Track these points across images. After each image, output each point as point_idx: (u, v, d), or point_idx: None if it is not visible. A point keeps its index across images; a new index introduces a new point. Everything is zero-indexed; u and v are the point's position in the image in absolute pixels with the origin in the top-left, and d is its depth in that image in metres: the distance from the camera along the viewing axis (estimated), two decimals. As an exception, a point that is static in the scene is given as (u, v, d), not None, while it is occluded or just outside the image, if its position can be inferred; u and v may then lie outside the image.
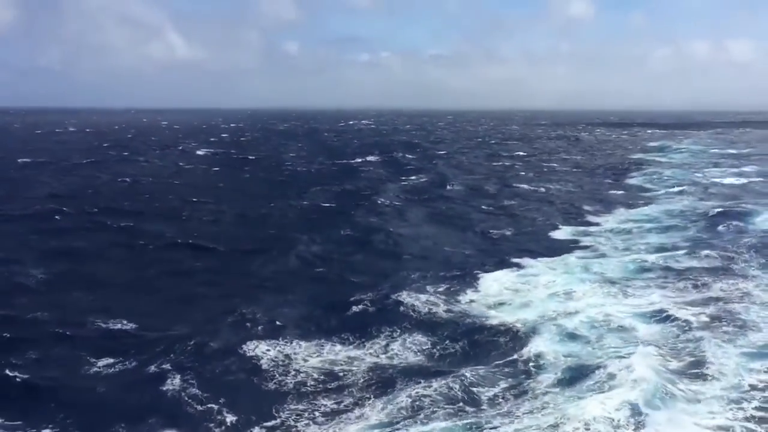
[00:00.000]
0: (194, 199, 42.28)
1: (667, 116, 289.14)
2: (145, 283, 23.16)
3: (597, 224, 35.14)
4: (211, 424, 13.24)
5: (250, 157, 76.09)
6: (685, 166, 68.25)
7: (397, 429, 12.82)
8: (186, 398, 14.10)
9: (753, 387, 13.87)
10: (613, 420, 12.23)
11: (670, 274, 23.65)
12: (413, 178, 55.92)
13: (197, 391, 14.32)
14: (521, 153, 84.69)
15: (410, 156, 77.63)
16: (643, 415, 12.36)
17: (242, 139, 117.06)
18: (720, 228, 32.64)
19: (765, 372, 14.60)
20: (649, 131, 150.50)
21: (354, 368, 15.89)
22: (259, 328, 18.27)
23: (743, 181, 53.39)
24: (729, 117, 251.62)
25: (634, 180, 56.34)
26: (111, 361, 16.07)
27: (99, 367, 15.80)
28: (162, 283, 23.32)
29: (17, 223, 32.97)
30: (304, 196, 43.78)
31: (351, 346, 17.34)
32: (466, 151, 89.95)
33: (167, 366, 15.60)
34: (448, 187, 49.90)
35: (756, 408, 12.92)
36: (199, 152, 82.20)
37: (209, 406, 13.81)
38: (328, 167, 65.72)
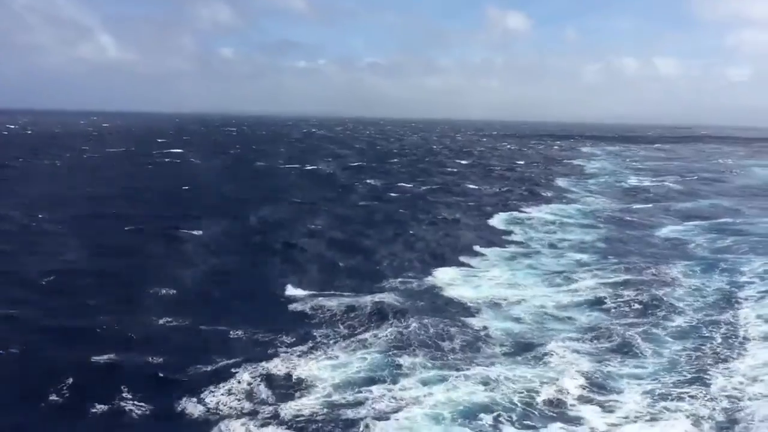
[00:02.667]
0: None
1: (596, 128, 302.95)
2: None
3: (529, 219, 39.20)
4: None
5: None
6: (608, 173, 74.91)
7: (389, 353, 16.75)
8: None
9: (675, 361, 16.77)
10: (548, 384, 15.04)
11: (597, 265, 27.29)
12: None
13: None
14: (466, 161, 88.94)
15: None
16: (577, 387, 15.04)
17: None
18: (634, 226, 37.81)
19: (685, 349, 17.60)
20: (579, 142, 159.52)
21: (358, 312, 20.20)
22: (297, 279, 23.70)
23: (653, 185, 60.78)
24: (652, 130, 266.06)
25: (561, 183, 62.04)
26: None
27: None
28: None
29: None
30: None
31: (353, 297, 21.73)
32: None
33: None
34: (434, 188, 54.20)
35: (677, 382, 15.37)
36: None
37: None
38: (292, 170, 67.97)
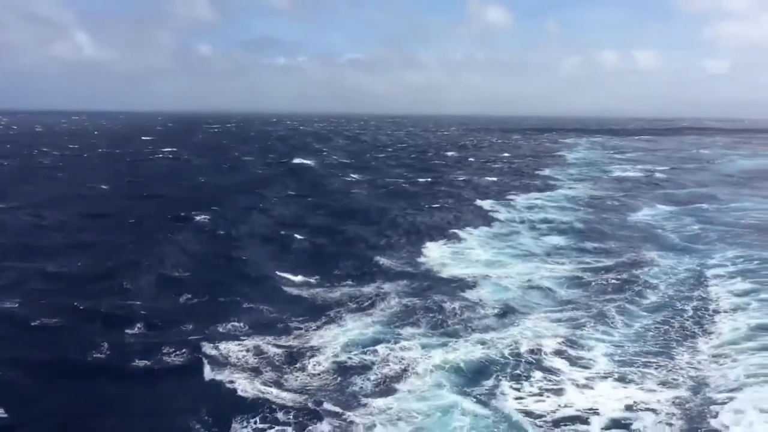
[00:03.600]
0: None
1: (578, 121, 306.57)
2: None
3: (514, 205, 41.75)
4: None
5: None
6: (588, 163, 77.76)
7: (395, 325, 18.62)
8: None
9: (646, 329, 18.72)
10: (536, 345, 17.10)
11: (577, 246, 29.62)
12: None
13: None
14: (453, 153, 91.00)
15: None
16: (558, 346, 17.04)
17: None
18: (613, 212, 40.17)
19: (655, 320, 19.48)
20: (561, 134, 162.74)
21: (359, 291, 22.08)
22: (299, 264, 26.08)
23: (633, 175, 63.53)
24: (633, 123, 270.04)
25: (545, 171, 64.89)
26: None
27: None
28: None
29: None
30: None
31: (354, 280, 23.74)
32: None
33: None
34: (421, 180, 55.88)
35: (646, 349, 17.22)
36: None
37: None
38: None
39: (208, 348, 16.47)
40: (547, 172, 64.75)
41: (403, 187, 51.31)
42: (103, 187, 47.20)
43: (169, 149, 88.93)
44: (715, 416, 13.43)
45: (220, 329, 18.33)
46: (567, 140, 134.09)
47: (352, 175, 60.22)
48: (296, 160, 72.66)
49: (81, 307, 19.35)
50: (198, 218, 33.90)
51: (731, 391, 14.56)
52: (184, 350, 16.27)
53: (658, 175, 63.40)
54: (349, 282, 23.22)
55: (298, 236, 31.17)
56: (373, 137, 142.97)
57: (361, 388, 14.84)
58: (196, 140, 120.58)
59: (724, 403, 13.97)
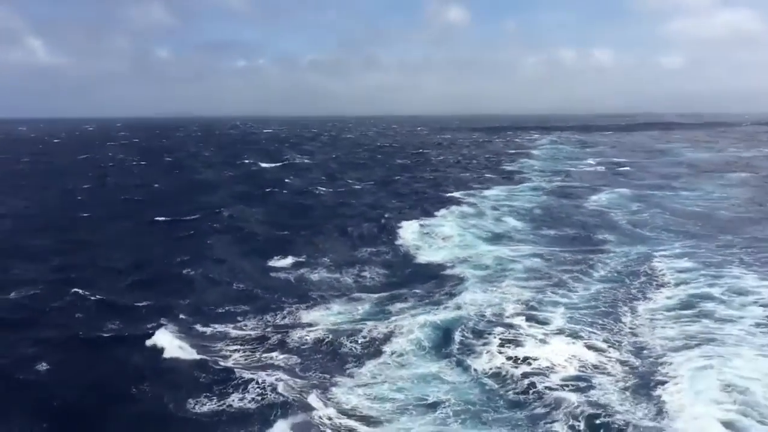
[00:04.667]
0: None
1: (540, 119, 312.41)
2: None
3: (483, 196, 45.03)
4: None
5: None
6: (548, 157, 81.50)
7: (382, 309, 20.82)
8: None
9: (598, 294, 21.61)
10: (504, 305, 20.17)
11: (538, 231, 32.75)
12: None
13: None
14: (415, 152, 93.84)
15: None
16: (521, 309, 19.85)
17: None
18: (573, 200, 43.57)
19: (606, 290, 22.21)
20: (525, 131, 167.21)
21: (347, 279, 24.53)
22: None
23: (592, 169, 67.34)
24: (593, 120, 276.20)
25: (507, 166, 68.31)
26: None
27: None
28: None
29: None
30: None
31: (338, 265, 26.24)
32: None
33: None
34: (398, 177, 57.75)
35: (600, 311, 19.98)
36: None
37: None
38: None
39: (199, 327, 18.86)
40: (512, 166, 68.18)
41: (380, 182, 54.47)
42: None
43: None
44: (652, 372, 15.68)
45: (219, 311, 20.60)
46: (530, 137, 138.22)
47: (335, 171, 62.60)
48: (274, 163, 74.86)
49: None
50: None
51: (667, 350, 16.97)
52: (181, 330, 18.45)
53: (618, 168, 66.91)
54: (334, 269, 25.64)
55: (287, 225, 34.03)
56: (343, 137, 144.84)
57: (351, 353, 17.14)
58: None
59: (659, 360, 16.37)
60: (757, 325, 18.44)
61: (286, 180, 56.66)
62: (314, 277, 24.74)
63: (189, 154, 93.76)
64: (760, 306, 19.96)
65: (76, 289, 21.62)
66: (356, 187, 52.31)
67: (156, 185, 52.76)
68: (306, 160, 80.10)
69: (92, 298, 20.99)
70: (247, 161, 76.73)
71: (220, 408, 14.08)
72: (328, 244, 30.34)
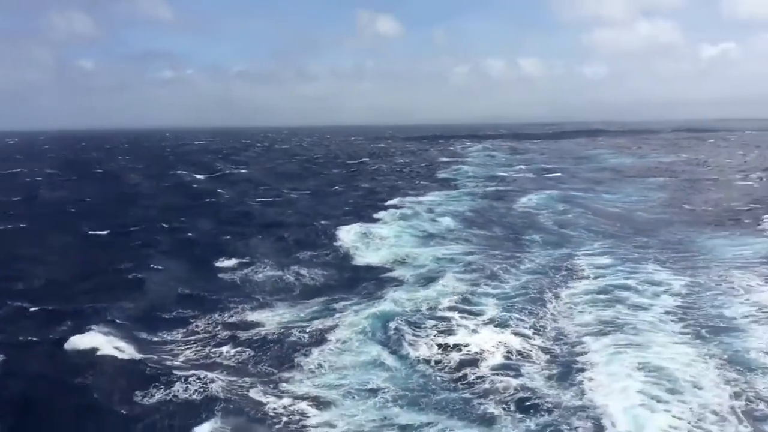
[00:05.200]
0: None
1: (471, 128, 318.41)
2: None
3: (419, 201, 46.61)
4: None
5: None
6: (481, 164, 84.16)
7: (325, 307, 21.83)
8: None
9: (526, 286, 23.36)
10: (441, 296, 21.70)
11: (471, 231, 34.71)
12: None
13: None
14: (350, 162, 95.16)
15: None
16: (456, 302, 21.38)
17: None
18: (504, 203, 45.96)
19: (533, 282, 23.97)
20: (458, 140, 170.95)
21: (290, 279, 25.69)
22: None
23: (522, 174, 70.26)
24: (521, 128, 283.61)
25: (443, 174, 70.42)
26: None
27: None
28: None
29: None
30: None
31: (280, 266, 27.13)
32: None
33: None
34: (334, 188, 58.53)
35: (527, 301, 21.64)
36: None
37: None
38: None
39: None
40: (447, 173, 70.58)
41: (317, 191, 55.61)
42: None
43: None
44: (573, 355, 17.22)
45: (165, 315, 21.24)
46: (463, 145, 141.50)
47: (274, 180, 63.29)
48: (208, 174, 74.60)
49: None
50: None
51: (587, 334, 18.61)
52: (123, 335, 18.98)
53: (546, 174, 70.04)
54: (274, 271, 26.55)
55: (232, 227, 35.69)
56: (277, 148, 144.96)
57: (297, 348, 18.09)
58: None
59: (580, 344, 17.97)
60: (667, 312, 20.30)
61: (221, 190, 56.93)
62: (258, 278, 25.62)
63: (120, 166, 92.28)
64: (671, 296, 21.92)
65: (17, 301, 21.95)
66: (293, 196, 53.08)
67: (89, 199, 52.05)
68: (241, 171, 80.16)
69: (34, 308, 21.34)
70: (180, 172, 76.19)
71: (167, 399, 14.90)
72: (269, 247, 31.14)
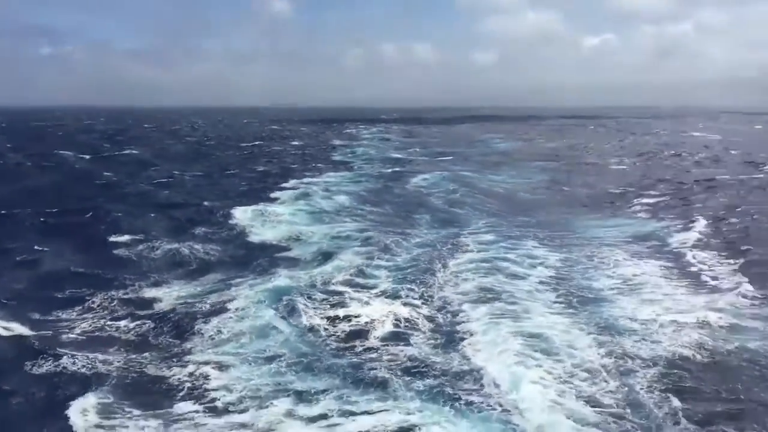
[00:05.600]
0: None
1: (363, 112, 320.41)
2: None
3: (315, 182, 47.55)
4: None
5: None
6: (376, 147, 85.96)
7: (221, 282, 22.39)
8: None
9: (416, 259, 24.76)
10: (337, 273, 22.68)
11: (363, 209, 35.96)
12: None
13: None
14: (243, 145, 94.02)
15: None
16: (351, 275, 22.51)
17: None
18: (397, 183, 47.78)
19: (420, 254, 25.43)
20: (352, 123, 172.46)
21: (186, 254, 26.00)
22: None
23: (410, 156, 72.96)
24: (414, 113, 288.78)
25: (337, 156, 71.44)
26: None
27: None
28: None
29: None
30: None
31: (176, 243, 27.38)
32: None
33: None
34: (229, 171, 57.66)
35: (415, 271, 23.06)
36: None
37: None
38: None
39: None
40: (342, 156, 71.55)
41: (218, 172, 55.39)
42: None
43: None
44: (456, 323, 18.57)
45: (58, 294, 20.99)
46: (358, 128, 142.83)
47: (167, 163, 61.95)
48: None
49: None
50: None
51: (466, 301, 20.22)
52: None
53: (439, 157, 72.36)
54: (172, 246, 26.69)
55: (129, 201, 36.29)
56: (170, 130, 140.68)
57: (194, 321, 18.53)
58: None
59: (460, 310, 19.48)
60: (542, 283, 22.25)
61: (108, 172, 54.92)
62: (154, 254, 25.67)
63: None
64: (546, 268, 23.96)
65: None
66: (185, 177, 52.25)
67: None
68: (130, 151, 77.67)
69: None
70: (63, 153, 72.68)
71: (56, 371, 15.18)
72: (164, 226, 31.07)
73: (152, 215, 33.56)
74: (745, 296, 20.19)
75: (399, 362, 15.94)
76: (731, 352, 16.19)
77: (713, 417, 13.30)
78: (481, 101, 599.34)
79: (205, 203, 37.27)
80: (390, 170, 56.78)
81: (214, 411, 13.62)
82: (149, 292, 21.01)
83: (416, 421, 13.07)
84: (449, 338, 17.45)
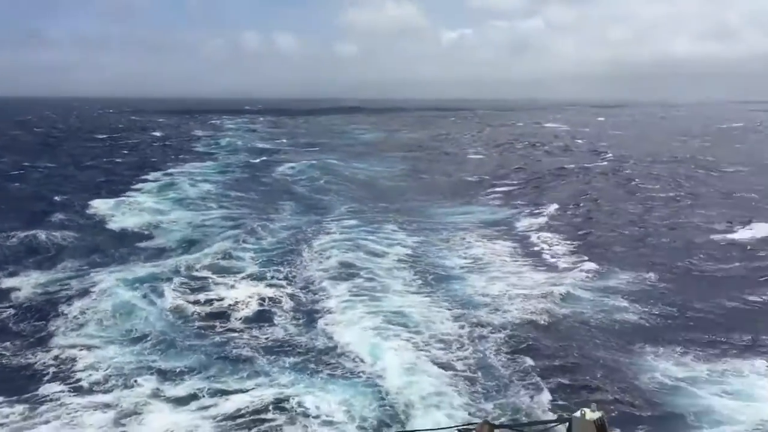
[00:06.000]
0: None
1: (228, 102, 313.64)
2: None
3: (180, 172, 47.18)
4: None
5: None
6: (241, 137, 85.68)
7: (79, 269, 22.31)
8: None
9: (282, 242, 25.72)
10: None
11: (229, 196, 36.62)
12: None
13: None
14: (99, 136, 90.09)
15: None
16: (217, 260, 23.09)
17: None
18: (263, 171, 48.70)
19: (286, 238, 26.50)
20: (215, 115, 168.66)
21: (42, 241, 25.51)
22: None
23: (277, 147, 73.80)
24: (279, 104, 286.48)
25: (200, 147, 70.71)
26: None
27: None
28: None
29: None
30: None
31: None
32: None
33: None
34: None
35: (283, 252, 24.10)
36: None
37: None
38: None
39: None
40: (206, 147, 70.82)
41: (75, 163, 53.69)
42: None
43: None
44: (316, 300, 19.69)
45: None
46: (222, 119, 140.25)
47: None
48: None
49: None
50: None
51: (328, 278, 21.53)
52: None
53: (307, 148, 73.31)
54: (29, 234, 26.05)
55: None
56: (29, 121, 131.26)
57: (56, 306, 18.47)
58: None
59: (321, 288, 20.61)
60: (400, 261, 23.96)
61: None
62: (9, 243, 24.97)
63: None
64: (404, 247, 25.75)
65: None
66: (39, 169, 49.98)
67: None
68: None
69: None
70: None
71: None
72: (18, 217, 30.00)
73: (2, 207, 32.22)
74: (582, 271, 22.79)
75: (265, 340, 16.69)
76: (567, 317, 18.52)
77: (552, 370, 15.30)
78: (346, 93, 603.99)
79: (60, 195, 36.13)
80: (257, 160, 57.22)
81: (79, 391, 13.83)
82: (6, 282, 20.52)
83: (290, 393, 13.88)
84: (313, 315, 18.42)
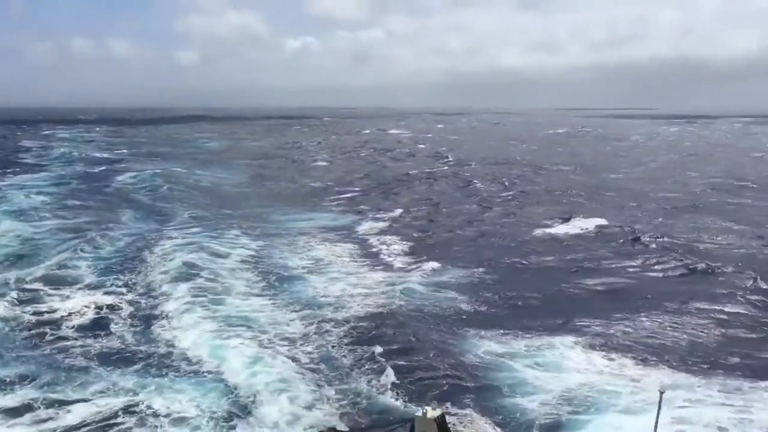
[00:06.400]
0: None
1: (58, 111, 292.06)
2: None
3: (8, 185, 44.27)
4: None
5: None
6: (75, 148, 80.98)
7: None
8: None
9: (123, 250, 25.40)
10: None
11: (66, 207, 35.39)
12: None
13: None
14: None
15: None
16: (49, 271, 22.53)
17: None
18: (101, 181, 47.02)
19: (127, 245, 26.38)
20: (48, 124, 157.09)
21: None
22: None
23: (117, 156, 70.91)
24: (119, 113, 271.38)
25: (29, 159, 65.74)
26: None
27: None
28: None
29: None
30: None
31: None
32: None
33: None
34: None
35: (123, 262, 23.87)
36: None
37: None
38: None
39: None
40: (35, 158, 65.95)
41: None
42: None
43: None
44: (155, 305, 19.99)
45: None
46: (54, 130, 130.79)
47: None
48: None
49: None
50: None
51: (169, 281, 21.77)
52: None
53: (150, 157, 70.22)
54: None
55: None
56: None
57: None
58: None
59: (162, 293, 20.87)
60: (243, 262, 24.71)
61: None
62: None
63: None
64: (245, 250, 26.69)
65: None
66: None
67: None
68: None
69: None
70: None
71: None
72: None
73: None
74: (420, 269, 24.84)
75: (100, 348, 16.82)
76: (404, 309, 20.12)
77: (391, 354, 16.72)
78: (190, 101, 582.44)
79: None
80: (96, 170, 54.79)
81: None
82: None
83: (139, 398, 14.19)
84: (153, 321, 18.71)
